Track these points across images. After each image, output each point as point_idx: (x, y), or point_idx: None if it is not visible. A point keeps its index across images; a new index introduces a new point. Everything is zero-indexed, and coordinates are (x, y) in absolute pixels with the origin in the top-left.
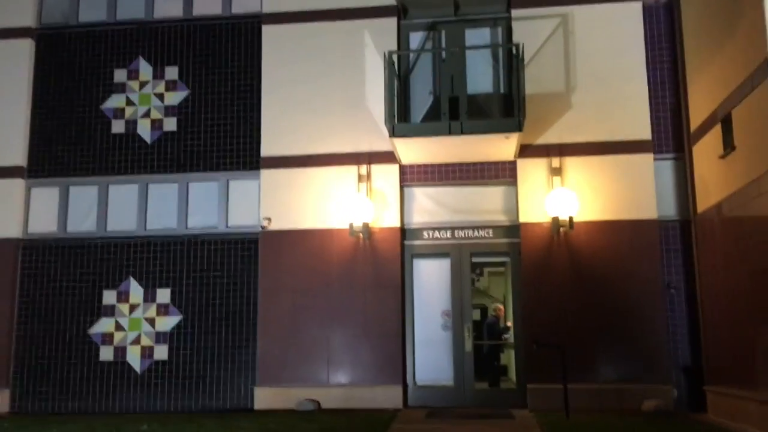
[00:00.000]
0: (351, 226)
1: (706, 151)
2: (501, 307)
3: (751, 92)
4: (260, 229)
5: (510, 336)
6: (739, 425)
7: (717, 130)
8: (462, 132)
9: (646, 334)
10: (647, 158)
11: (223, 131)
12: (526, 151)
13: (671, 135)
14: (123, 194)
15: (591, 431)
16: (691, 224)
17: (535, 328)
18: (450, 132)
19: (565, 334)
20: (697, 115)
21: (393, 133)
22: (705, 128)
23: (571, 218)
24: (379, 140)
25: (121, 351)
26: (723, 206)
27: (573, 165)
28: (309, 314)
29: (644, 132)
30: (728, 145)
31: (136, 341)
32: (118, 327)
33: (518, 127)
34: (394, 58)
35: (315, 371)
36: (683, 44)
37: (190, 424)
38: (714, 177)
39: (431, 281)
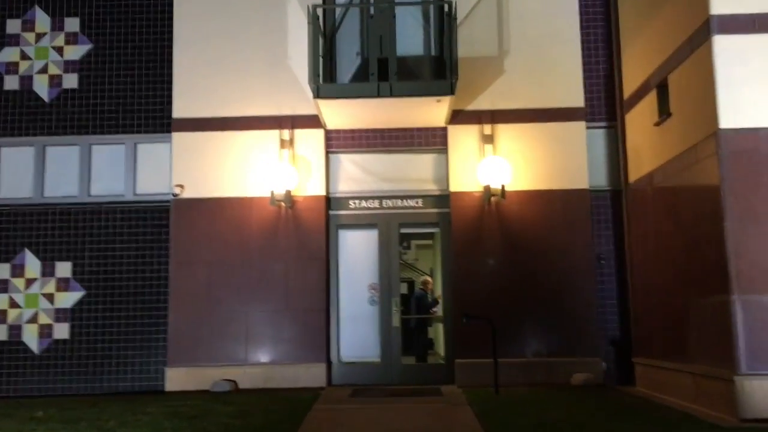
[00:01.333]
0: (272, 194)
1: (639, 119)
2: (429, 279)
3: (689, 55)
4: (172, 197)
5: (438, 309)
6: (668, 398)
7: (652, 97)
8: (391, 94)
9: (577, 306)
10: (580, 126)
11: (130, 90)
12: (457, 117)
13: (604, 103)
14: (17, 158)
15: (520, 406)
16: (622, 194)
17: (465, 301)
18: (379, 94)
19: (496, 307)
20: (631, 82)
21: (317, 94)
22: (639, 95)
23: (503, 187)
24: (303, 103)
25: (15, 330)
26: (656, 175)
27: (505, 132)
28: (226, 288)
29: (577, 99)
30: (664, 111)
31: (33, 319)
32: (13, 304)
33: (450, 90)
34: (319, 12)
35: (232, 349)
36: (617, 7)
37: (92, 408)
38: (647, 146)
39: (358, 253)
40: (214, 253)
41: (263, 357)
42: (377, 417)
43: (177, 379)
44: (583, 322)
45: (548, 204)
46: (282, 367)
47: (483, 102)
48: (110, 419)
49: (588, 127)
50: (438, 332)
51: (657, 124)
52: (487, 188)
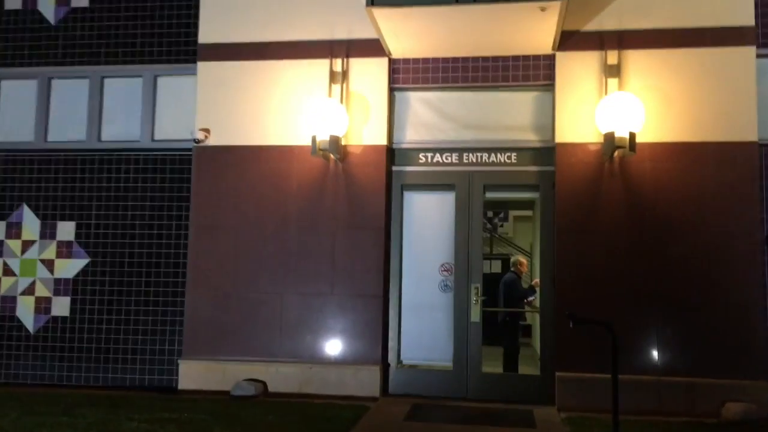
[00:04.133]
0: (314, 140)
1: None
2: (524, 261)
3: None
4: (193, 143)
5: (535, 298)
6: None
7: None
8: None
9: (734, 307)
10: (747, 54)
11: (150, 9)
12: (570, 40)
13: None
14: (17, 93)
15: None
16: None
17: (570, 293)
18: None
19: (613, 303)
20: None
21: (372, 0)
22: None
23: (632, 136)
24: (362, 24)
25: (10, 303)
26: None
27: (637, 62)
28: (257, 263)
29: (744, 15)
30: None
31: (30, 290)
32: (7, 271)
33: None
34: None
35: (262, 341)
36: None
37: (61, 417)
38: None
39: (428, 223)
40: (244, 218)
41: (300, 353)
42: None
43: (193, 374)
44: (744, 330)
45: (697, 162)
46: (323, 368)
47: (607, 20)
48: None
49: (760, 56)
50: (534, 333)
51: None
52: (609, 138)
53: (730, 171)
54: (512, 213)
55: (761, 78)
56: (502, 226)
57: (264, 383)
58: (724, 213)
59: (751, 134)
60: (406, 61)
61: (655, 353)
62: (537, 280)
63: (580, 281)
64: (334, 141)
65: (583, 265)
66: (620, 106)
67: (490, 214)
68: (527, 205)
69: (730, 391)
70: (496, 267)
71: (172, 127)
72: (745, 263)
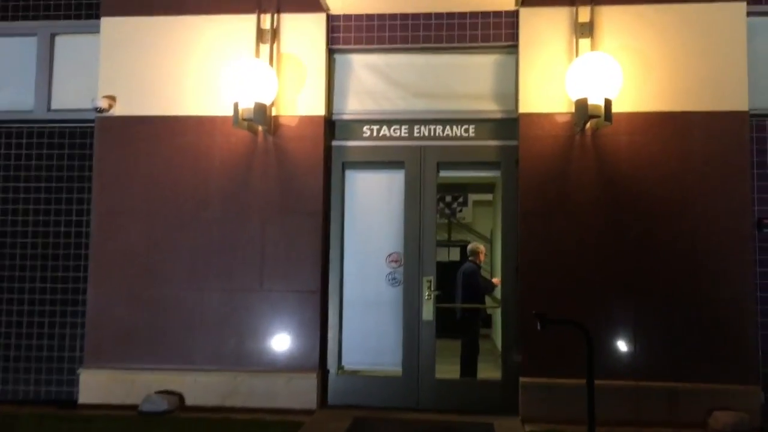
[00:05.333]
0: (236, 108)
1: None
2: (482, 248)
3: None
4: (96, 113)
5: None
6: None
7: None
8: None
9: (722, 302)
10: (737, 10)
11: None
12: None
13: None
14: None
15: None
16: None
17: (537, 286)
18: None
19: (586, 299)
20: None
21: None
22: None
23: (608, 103)
24: None
25: None
26: None
27: (612, 19)
28: (171, 253)
29: None
30: None
31: None
32: None
33: None
34: None
35: (178, 345)
36: None
37: None
38: None
39: (374, 207)
40: (156, 201)
41: (223, 360)
42: None
43: (95, 386)
44: (733, 327)
45: (680, 135)
46: (251, 377)
47: None
48: None
49: (751, 13)
50: (495, 325)
51: None
52: (581, 106)
53: (717, 145)
54: (472, 197)
55: (752, 39)
56: (461, 211)
57: (180, 395)
58: (711, 192)
59: (740, 103)
60: (347, 17)
61: (632, 354)
62: (497, 279)
63: (547, 272)
64: (261, 109)
65: (551, 254)
66: (594, 69)
67: (448, 198)
68: (487, 188)
69: (718, 398)
70: (455, 255)
71: (73, 94)
72: (734, 249)
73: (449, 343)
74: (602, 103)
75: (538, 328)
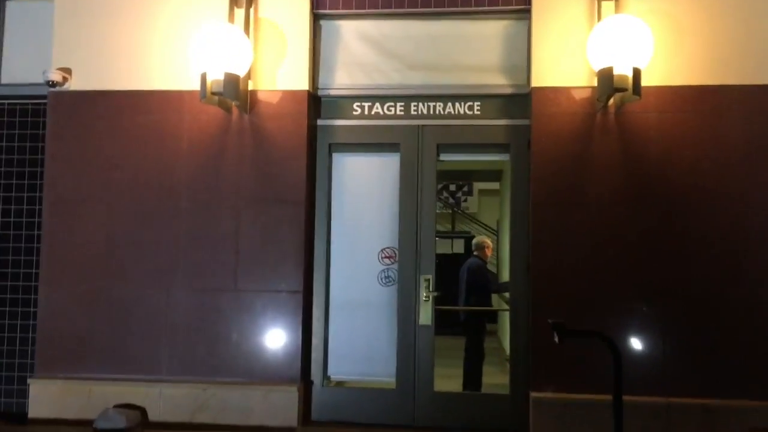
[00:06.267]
0: (204, 80)
1: None
2: (489, 242)
3: None
4: (48, 87)
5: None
6: None
7: None
8: None
9: (764, 311)
10: None
11: None
12: None
13: None
14: None
15: None
16: None
17: (552, 287)
18: None
19: (608, 302)
20: None
21: None
22: None
23: (637, 73)
24: None
25: None
26: None
27: None
28: (134, 247)
29: None
30: None
31: None
32: None
33: None
34: None
35: (141, 353)
36: None
37: None
38: None
39: (365, 195)
40: (117, 189)
41: (192, 370)
42: None
43: (48, 398)
44: None
45: (717, 113)
46: (223, 389)
47: None
48: None
49: None
50: (501, 321)
51: None
52: (605, 77)
53: (760, 124)
54: (477, 186)
55: None
56: (465, 200)
57: (143, 410)
58: (754, 180)
59: None
60: None
61: (662, 367)
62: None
63: (563, 270)
64: (232, 81)
65: (567, 249)
66: (621, 33)
67: (452, 187)
68: (494, 175)
69: (760, 416)
70: (459, 247)
71: (25, 67)
72: None
73: (450, 342)
74: (630, 74)
75: (556, 340)
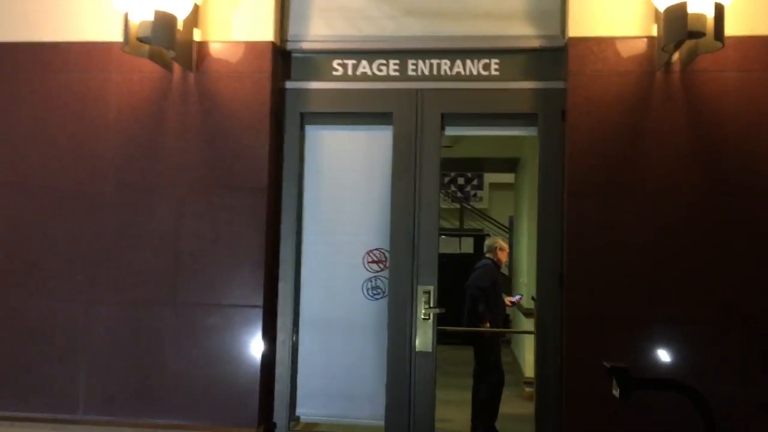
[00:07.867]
0: (126, 21)
1: None
2: (504, 244)
3: None
4: None
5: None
6: None
7: None
8: None
9: None
10: None
11: None
12: None
13: None
14: None
15: None
16: None
17: (593, 301)
18: None
19: (670, 319)
20: None
21: None
22: None
23: (720, 10)
24: None
25: None
26: None
27: None
28: (45, 248)
29: None
30: None
31: None
32: None
33: None
34: None
35: (54, 386)
36: None
37: None
38: None
39: (347, 181)
40: (24, 171)
41: (118, 408)
42: None
43: None
44: None
45: None
46: None
47: None
48: None
49: None
50: (517, 352)
51: None
52: (675, 16)
53: None
54: (487, 178)
55: None
56: (475, 195)
57: None
58: None
59: None
60: None
61: (744, 403)
62: (516, 298)
63: (609, 280)
64: (165, 23)
65: (614, 254)
66: None
67: (461, 180)
68: (508, 166)
69: None
70: (468, 246)
71: None
72: None
73: (452, 353)
74: (710, 13)
75: (616, 394)
